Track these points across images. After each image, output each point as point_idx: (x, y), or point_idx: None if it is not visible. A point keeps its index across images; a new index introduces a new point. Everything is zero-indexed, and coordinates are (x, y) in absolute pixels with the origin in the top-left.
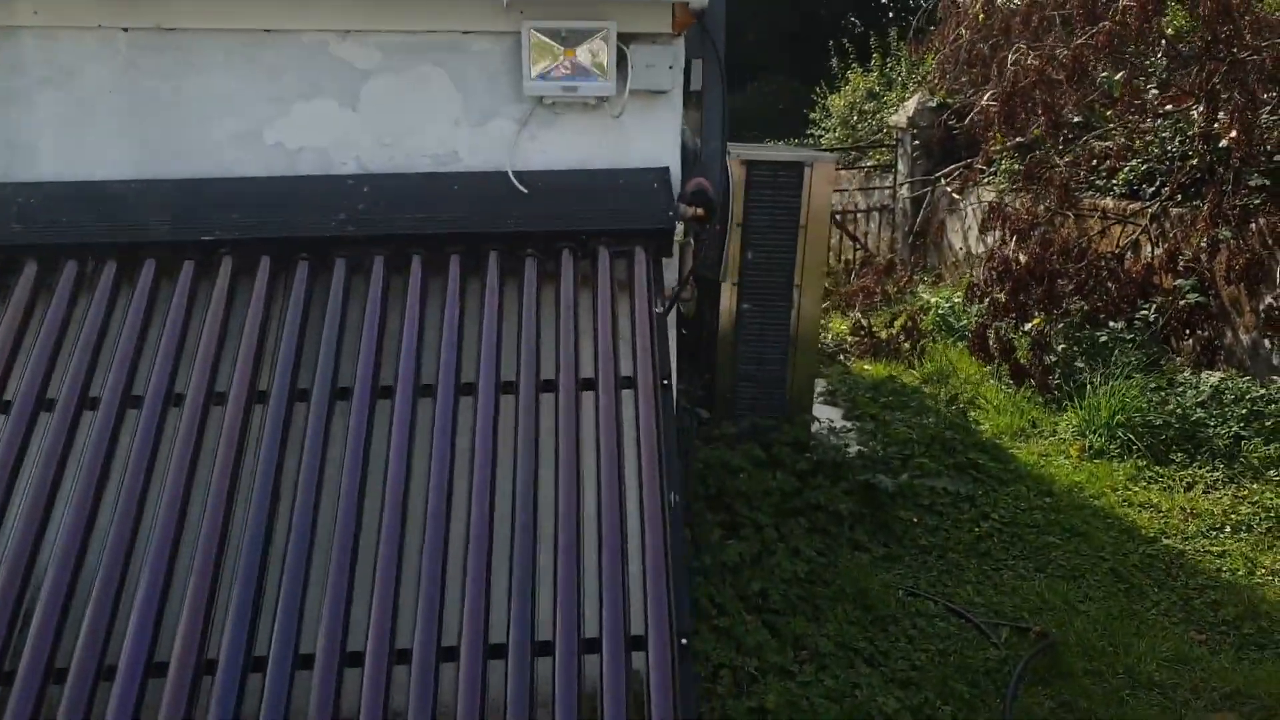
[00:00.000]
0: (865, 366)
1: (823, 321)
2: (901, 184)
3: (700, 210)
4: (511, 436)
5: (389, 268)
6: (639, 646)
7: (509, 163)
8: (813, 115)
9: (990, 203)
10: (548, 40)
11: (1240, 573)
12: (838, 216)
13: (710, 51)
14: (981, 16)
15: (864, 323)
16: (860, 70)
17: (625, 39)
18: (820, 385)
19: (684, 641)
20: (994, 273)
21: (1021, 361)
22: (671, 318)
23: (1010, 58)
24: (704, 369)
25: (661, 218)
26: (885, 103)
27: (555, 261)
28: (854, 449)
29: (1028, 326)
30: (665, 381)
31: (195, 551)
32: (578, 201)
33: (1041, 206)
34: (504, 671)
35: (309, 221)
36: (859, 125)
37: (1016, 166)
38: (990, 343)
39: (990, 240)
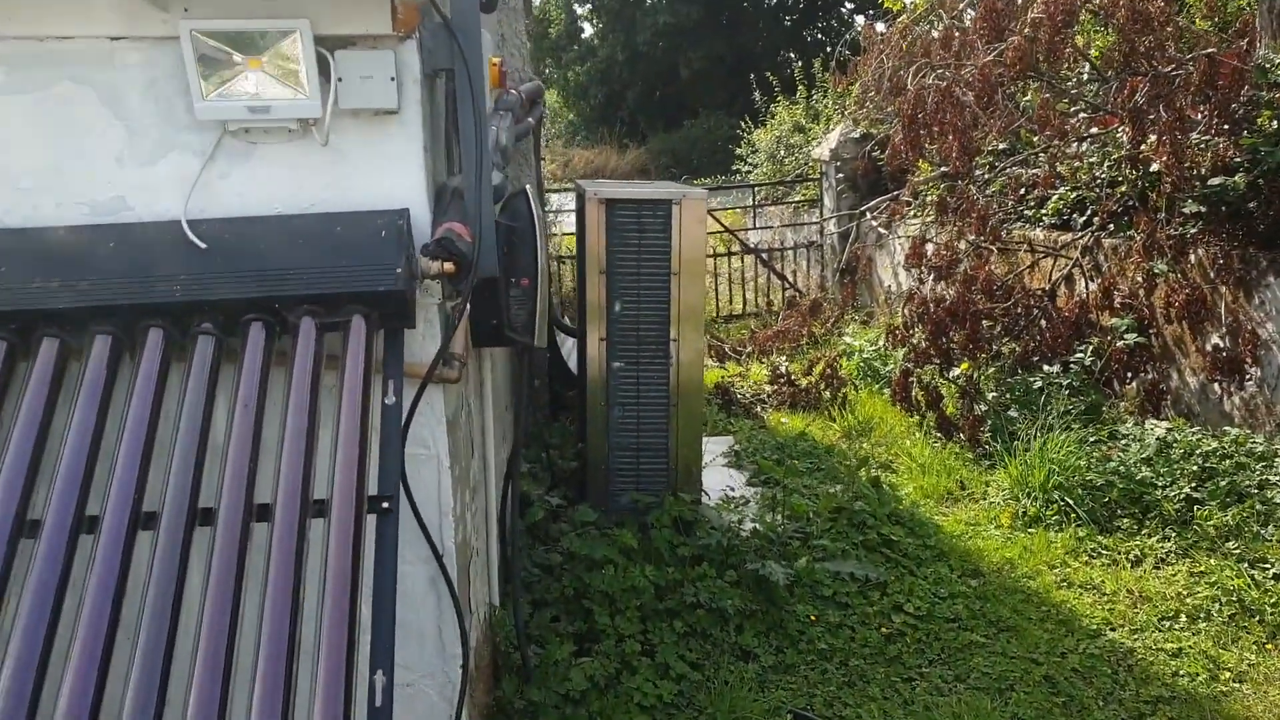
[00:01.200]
0: (782, 419)
1: (741, 370)
2: (828, 219)
3: (449, 264)
4: (140, 586)
5: (7, 358)
6: None
7: (184, 209)
8: (738, 150)
9: (912, 238)
10: (221, 47)
11: (1200, 678)
12: (764, 255)
13: (460, 62)
14: (903, 43)
15: (782, 370)
16: (786, 102)
17: (328, 44)
18: (724, 445)
19: None
20: (914, 314)
21: (948, 412)
22: (437, 404)
23: (911, 80)
24: (569, 438)
25: (388, 275)
26: (811, 135)
27: (242, 338)
28: (749, 526)
29: (954, 373)
30: (385, 504)
31: None
32: (276, 258)
33: (963, 241)
34: None
35: None
36: (786, 160)
37: (944, 198)
38: (913, 392)
39: (912, 278)
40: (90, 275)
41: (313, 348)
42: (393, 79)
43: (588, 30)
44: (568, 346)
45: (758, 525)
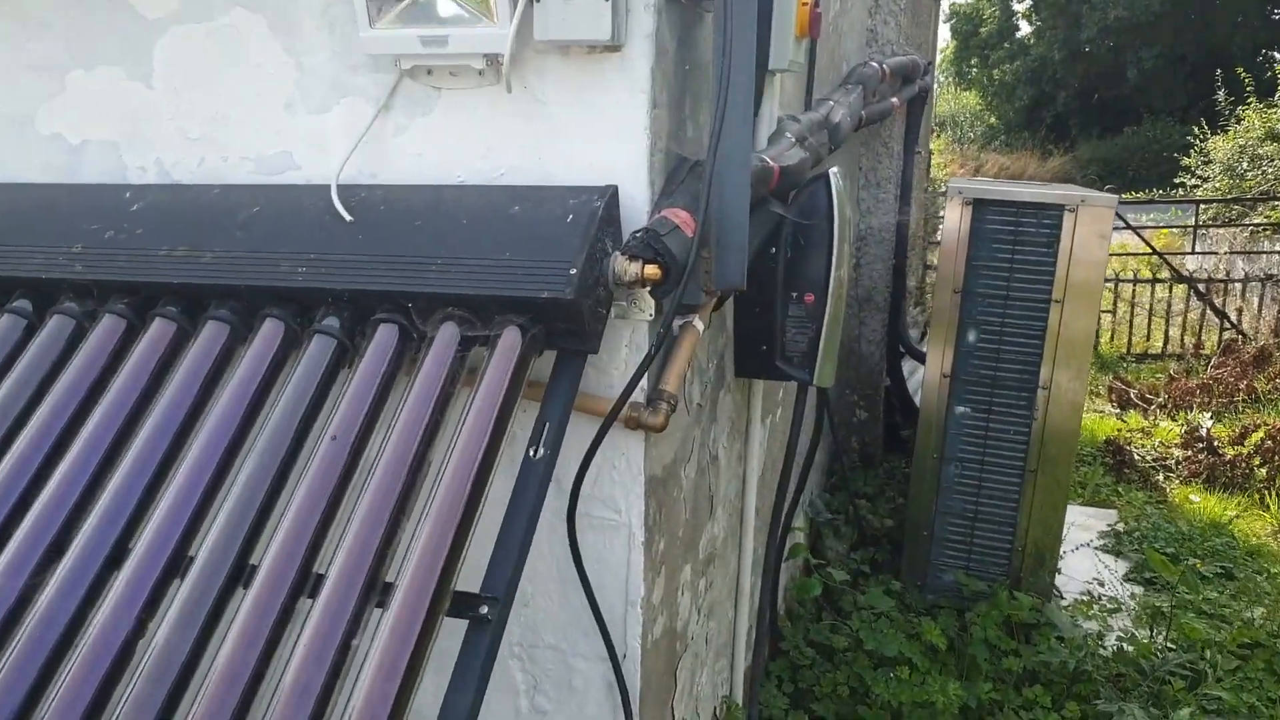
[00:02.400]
0: (1192, 497)
1: (1145, 425)
2: None
3: (651, 267)
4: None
5: (125, 335)
6: None
7: (337, 170)
8: (1185, 161)
9: None
10: None
11: None
12: (1201, 286)
13: None
14: None
15: (1203, 431)
16: (1260, 106)
17: None
18: (1102, 521)
19: None
20: None
21: None
22: (635, 457)
23: None
24: (889, 489)
25: (557, 277)
26: None
27: (365, 343)
28: (1112, 643)
29: None
30: (485, 608)
31: None
32: (424, 241)
33: None
34: None
35: (39, 256)
36: (1249, 174)
37: None
38: None
39: None
40: (217, 246)
41: (444, 368)
42: (609, 1)
43: (1024, 29)
44: (917, 376)
45: (1126, 646)
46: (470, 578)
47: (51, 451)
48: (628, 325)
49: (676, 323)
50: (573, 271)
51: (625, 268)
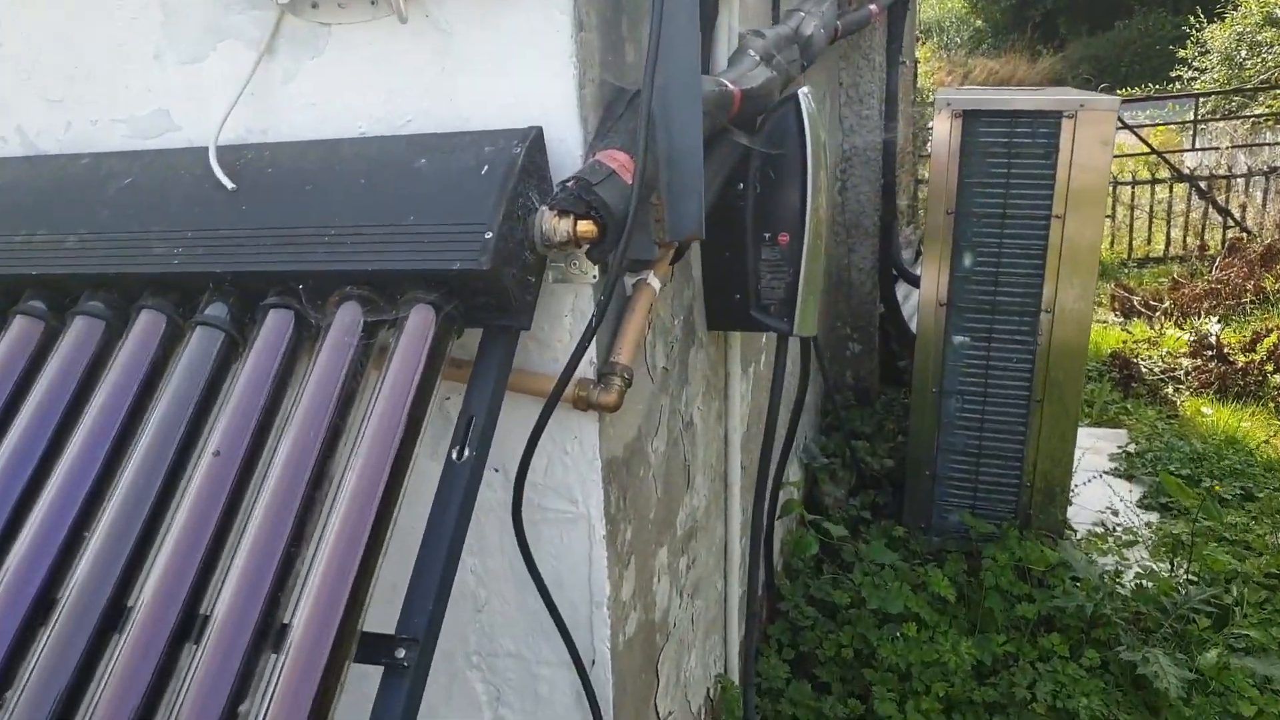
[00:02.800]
0: (1204, 409)
1: (1151, 335)
2: None
3: (585, 223)
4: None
5: None
6: None
7: (216, 130)
8: (1182, 53)
9: None
10: None
11: None
12: (1203, 184)
13: None
14: None
15: (1212, 338)
16: None
17: None
18: (1112, 443)
19: None
20: None
21: None
22: (589, 439)
23: None
24: (889, 427)
25: (470, 243)
26: None
27: (254, 334)
28: (1131, 579)
29: None
30: (401, 651)
31: None
32: (317, 208)
33: None
34: None
35: None
36: (1248, 62)
37: None
38: None
39: None
40: (82, 228)
41: (343, 360)
42: None
43: None
44: (912, 301)
45: (1145, 583)
46: (384, 614)
47: None
48: (569, 289)
49: (629, 281)
50: (488, 236)
51: (554, 226)
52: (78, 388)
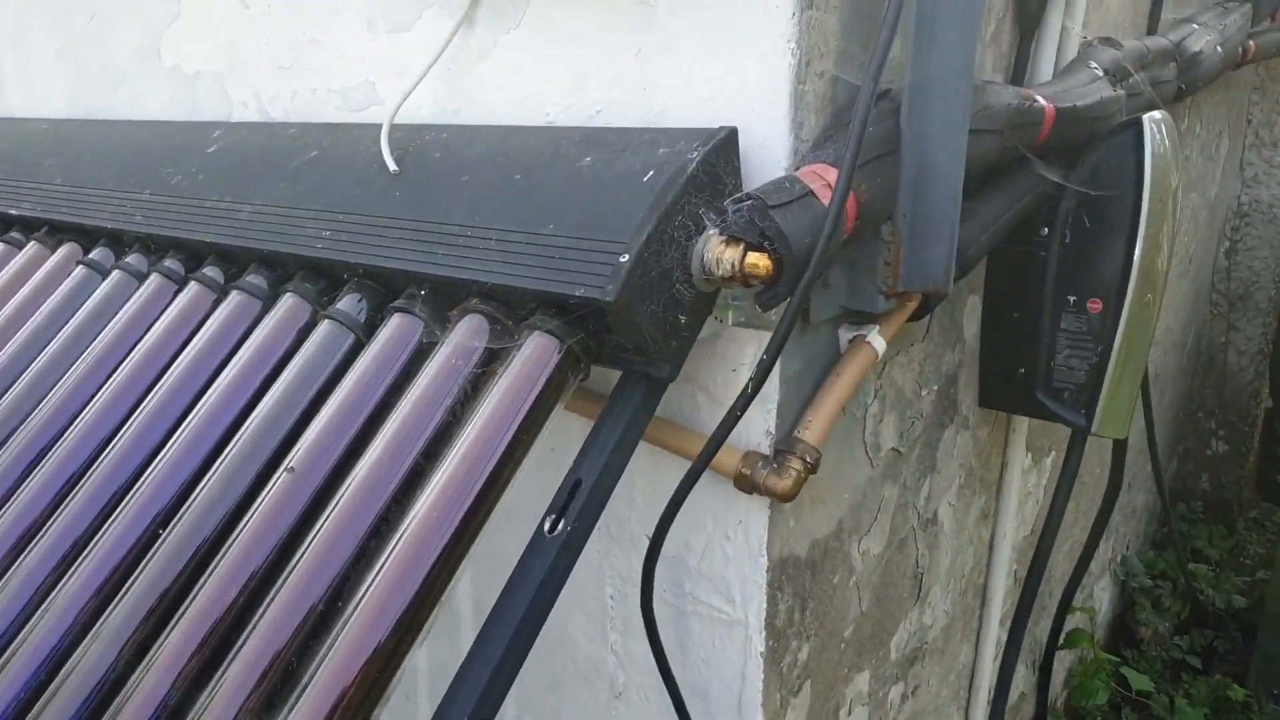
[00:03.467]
0: None
1: None
2: None
3: (758, 256)
4: None
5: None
6: None
7: (391, 108)
8: None
9: None
10: None
11: None
12: None
13: None
14: None
15: None
16: None
17: None
18: None
19: None
20: None
21: None
22: (755, 528)
23: None
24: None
25: (600, 267)
26: None
27: (378, 337)
28: None
29: None
30: None
31: None
32: (461, 206)
33: None
34: None
35: (112, 204)
36: None
37: None
38: None
39: None
40: (258, 199)
41: (449, 386)
42: None
43: None
44: None
45: None
46: None
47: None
48: (753, 336)
49: (845, 337)
50: (623, 259)
51: (718, 255)
52: (215, 369)
